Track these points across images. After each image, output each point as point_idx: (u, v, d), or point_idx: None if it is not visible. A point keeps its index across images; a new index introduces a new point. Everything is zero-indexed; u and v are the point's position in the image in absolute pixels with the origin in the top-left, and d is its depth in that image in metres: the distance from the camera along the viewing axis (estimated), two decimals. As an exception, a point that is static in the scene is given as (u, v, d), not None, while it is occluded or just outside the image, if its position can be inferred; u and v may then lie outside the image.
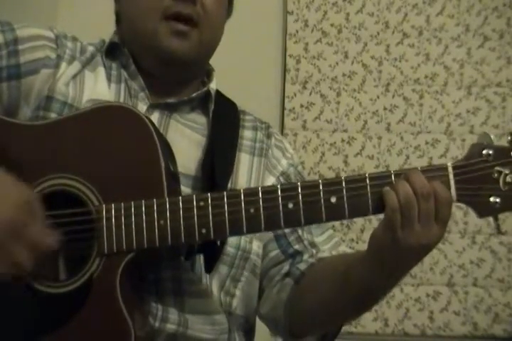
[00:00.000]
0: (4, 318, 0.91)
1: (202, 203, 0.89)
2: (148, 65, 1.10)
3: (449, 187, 0.86)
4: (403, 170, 0.87)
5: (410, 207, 0.84)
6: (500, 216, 0.87)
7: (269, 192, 0.88)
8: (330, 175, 2.30)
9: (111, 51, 1.12)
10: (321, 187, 0.87)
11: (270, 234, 1.10)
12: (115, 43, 1.13)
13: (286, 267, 1.09)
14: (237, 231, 0.89)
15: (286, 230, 1.10)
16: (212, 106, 1.12)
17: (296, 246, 1.10)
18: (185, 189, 1.01)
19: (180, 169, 0.99)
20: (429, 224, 0.85)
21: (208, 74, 1.18)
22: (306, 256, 1.09)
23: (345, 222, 2.25)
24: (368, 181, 0.87)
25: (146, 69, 1.10)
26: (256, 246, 1.08)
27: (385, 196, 0.86)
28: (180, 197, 0.90)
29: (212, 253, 0.99)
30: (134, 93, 1.08)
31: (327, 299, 1.02)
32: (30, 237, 0.85)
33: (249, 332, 1.12)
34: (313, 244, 1.12)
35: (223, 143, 1.09)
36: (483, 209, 0.86)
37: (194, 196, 0.90)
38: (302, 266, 1.08)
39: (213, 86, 1.14)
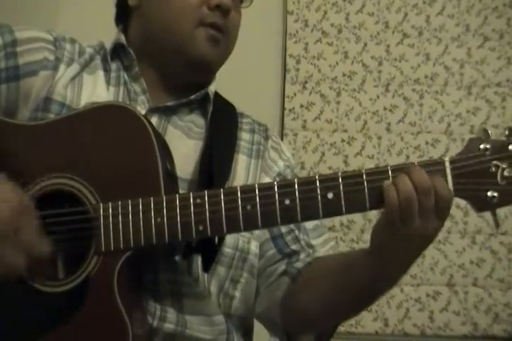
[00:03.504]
0: (2, 317, 0.92)
1: (199, 200, 0.89)
2: (170, 66, 1.10)
3: (446, 182, 0.85)
4: (401, 165, 0.86)
5: (411, 205, 0.83)
6: (501, 215, 0.86)
7: (266, 188, 0.88)
8: (330, 175, 2.30)
9: (113, 52, 1.12)
10: (317, 184, 0.86)
11: (267, 234, 1.10)
12: (121, 44, 1.12)
13: (282, 266, 1.09)
14: (234, 228, 0.89)
15: (283, 230, 1.10)
16: (210, 108, 1.12)
17: (293, 246, 1.10)
18: (182, 192, 0.99)
19: (177, 173, 0.99)
20: (429, 218, 0.84)
21: None
22: (302, 256, 1.09)
23: (345, 222, 2.25)
24: (364, 177, 0.86)
25: (163, 69, 1.10)
26: (254, 246, 1.08)
27: (385, 192, 0.85)
28: (177, 195, 0.90)
29: (210, 252, 0.98)
30: (133, 96, 1.08)
31: (326, 295, 1.01)
32: (20, 242, 0.85)
33: (247, 332, 1.11)
34: (309, 245, 1.12)
35: (221, 145, 1.09)
36: (481, 204, 0.85)
37: (191, 193, 0.90)
38: (299, 265, 1.08)
39: (212, 88, 1.15)
